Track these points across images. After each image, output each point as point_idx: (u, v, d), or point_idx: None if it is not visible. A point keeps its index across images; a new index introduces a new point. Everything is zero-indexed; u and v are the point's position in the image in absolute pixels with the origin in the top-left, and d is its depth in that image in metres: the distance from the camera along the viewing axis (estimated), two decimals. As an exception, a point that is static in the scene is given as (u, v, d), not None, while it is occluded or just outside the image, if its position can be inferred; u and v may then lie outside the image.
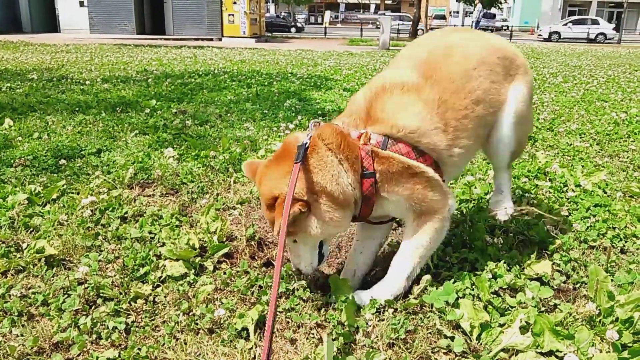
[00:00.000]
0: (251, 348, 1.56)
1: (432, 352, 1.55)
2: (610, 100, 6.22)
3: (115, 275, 1.93)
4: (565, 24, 33.65)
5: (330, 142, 1.65)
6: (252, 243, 2.20)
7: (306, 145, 1.62)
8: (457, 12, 60.98)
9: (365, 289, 1.81)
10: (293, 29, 36.61)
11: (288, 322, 1.68)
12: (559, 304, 1.77)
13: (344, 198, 1.65)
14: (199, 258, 2.04)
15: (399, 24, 30.64)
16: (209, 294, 1.80)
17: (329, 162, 1.63)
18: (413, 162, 1.68)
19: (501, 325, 1.63)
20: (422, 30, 27.42)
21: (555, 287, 1.90)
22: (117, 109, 5.09)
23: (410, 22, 28.51)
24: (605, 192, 2.90)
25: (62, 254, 2.09)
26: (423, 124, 1.72)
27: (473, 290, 1.80)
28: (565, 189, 2.93)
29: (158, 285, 1.88)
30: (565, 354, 1.49)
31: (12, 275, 1.94)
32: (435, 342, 1.59)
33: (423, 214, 1.75)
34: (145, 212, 2.48)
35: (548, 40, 31.49)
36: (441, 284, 1.83)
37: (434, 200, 1.73)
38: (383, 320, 1.66)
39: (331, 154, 1.64)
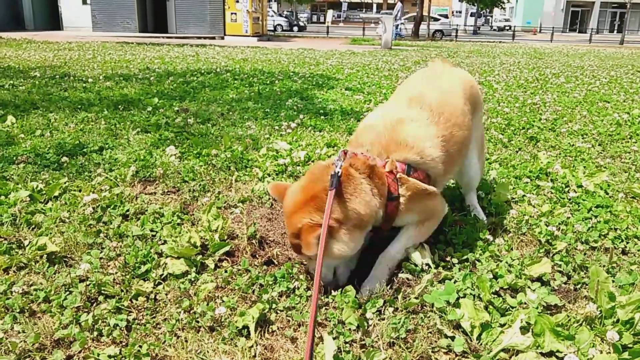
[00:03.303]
0: (252, 346, 1.56)
1: (432, 352, 1.55)
2: (613, 101, 6.21)
3: (116, 273, 1.93)
4: None
5: (363, 172, 1.80)
6: (253, 241, 2.21)
7: (339, 174, 1.72)
8: (460, 12, 60.92)
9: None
10: (295, 28, 36.61)
11: (289, 321, 1.68)
12: (560, 305, 1.77)
13: (368, 220, 1.80)
14: (200, 256, 2.04)
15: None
16: (210, 292, 1.80)
17: (363, 189, 1.78)
18: (428, 186, 1.92)
19: (502, 326, 1.63)
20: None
21: (556, 288, 1.90)
22: (120, 106, 5.10)
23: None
24: (607, 193, 2.90)
25: (64, 251, 2.10)
26: (438, 154, 1.97)
27: (474, 290, 1.80)
28: (567, 189, 2.93)
29: (159, 283, 1.89)
30: (565, 355, 1.49)
31: (14, 272, 1.95)
32: (435, 341, 1.59)
33: (427, 220, 2.01)
34: (146, 210, 2.49)
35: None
36: (442, 283, 1.84)
37: (437, 210, 2.04)
38: (384, 319, 1.66)
39: (365, 182, 1.79)
